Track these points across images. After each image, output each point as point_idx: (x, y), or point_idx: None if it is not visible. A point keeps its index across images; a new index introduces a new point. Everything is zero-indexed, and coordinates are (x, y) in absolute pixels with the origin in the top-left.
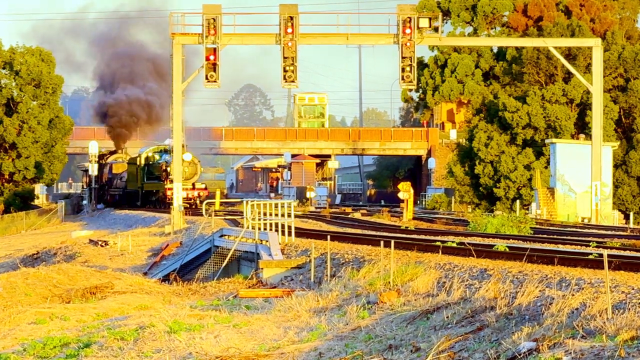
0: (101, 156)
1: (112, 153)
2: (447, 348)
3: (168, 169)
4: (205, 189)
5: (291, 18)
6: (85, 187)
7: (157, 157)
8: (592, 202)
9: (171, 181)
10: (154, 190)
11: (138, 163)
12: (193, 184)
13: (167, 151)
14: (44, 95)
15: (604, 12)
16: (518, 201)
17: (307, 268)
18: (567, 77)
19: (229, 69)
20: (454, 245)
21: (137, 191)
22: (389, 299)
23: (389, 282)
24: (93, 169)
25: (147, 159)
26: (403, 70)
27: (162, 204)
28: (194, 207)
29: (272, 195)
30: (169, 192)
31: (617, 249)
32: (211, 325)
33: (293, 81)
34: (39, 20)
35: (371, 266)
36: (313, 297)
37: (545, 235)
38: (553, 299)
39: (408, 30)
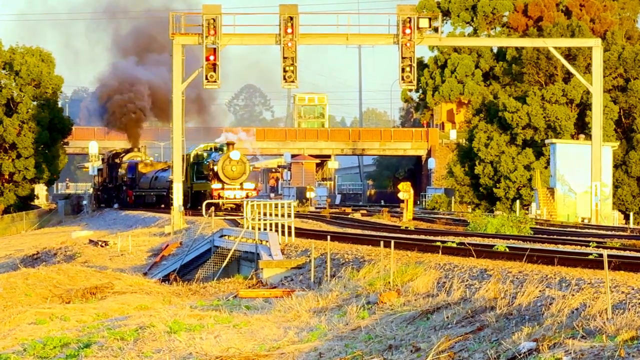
0: (116, 155)
1: (127, 152)
2: (447, 348)
3: (215, 167)
4: (254, 188)
5: (291, 18)
6: (97, 186)
7: (205, 155)
8: (592, 202)
9: (219, 181)
10: (202, 191)
11: (187, 161)
12: (241, 184)
13: (217, 149)
14: (43, 96)
15: (604, 12)
16: (518, 201)
17: (307, 268)
18: (567, 77)
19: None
20: (454, 245)
21: (187, 192)
22: (389, 299)
23: (389, 282)
24: (93, 169)
25: (196, 156)
26: (403, 70)
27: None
28: (241, 209)
29: (272, 195)
30: (215, 193)
31: (617, 249)
32: (211, 325)
33: (293, 81)
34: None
35: (371, 266)
36: (313, 297)
37: (545, 236)
38: (553, 299)
39: (408, 31)
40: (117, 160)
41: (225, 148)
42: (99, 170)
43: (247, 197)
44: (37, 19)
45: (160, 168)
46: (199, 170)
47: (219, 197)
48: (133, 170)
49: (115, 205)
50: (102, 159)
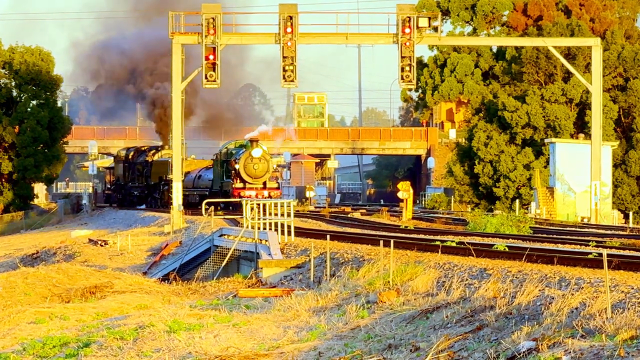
0: (140, 152)
1: (156, 149)
2: (446, 347)
3: (237, 166)
4: (278, 188)
5: (290, 18)
6: (109, 185)
7: (234, 152)
8: (592, 201)
9: (241, 180)
10: (229, 190)
11: (217, 158)
12: (264, 183)
13: (243, 146)
14: (43, 95)
15: (604, 12)
16: (517, 201)
17: (307, 267)
18: (567, 76)
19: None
20: (454, 244)
21: (217, 191)
22: (389, 299)
23: (389, 282)
24: (93, 168)
25: (226, 154)
26: (402, 69)
27: (235, 206)
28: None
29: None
30: (235, 193)
31: (616, 248)
32: (211, 324)
33: (292, 81)
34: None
35: (371, 266)
36: (312, 297)
37: (544, 235)
38: (553, 298)
39: (407, 30)
40: (148, 159)
41: (249, 145)
42: (110, 169)
43: (269, 196)
44: (40, 18)
45: (204, 166)
46: (227, 169)
47: (240, 197)
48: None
49: (142, 206)
50: (115, 157)
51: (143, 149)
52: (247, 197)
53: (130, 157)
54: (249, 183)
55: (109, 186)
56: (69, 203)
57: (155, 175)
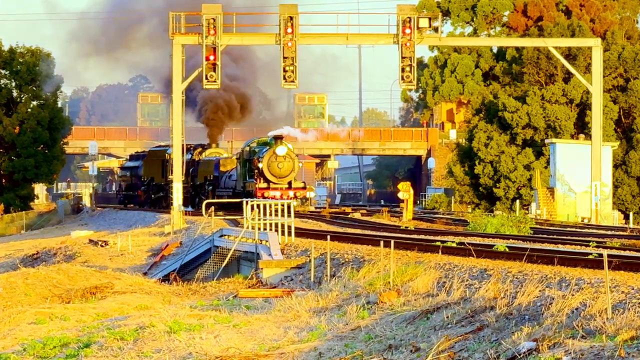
0: (187, 150)
1: (203, 147)
2: (447, 348)
3: (260, 165)
4: (304, 188)
5: (291, 18)
6: (125, 185)
7: (257, 150)
8: (592, 202)
9: (265, 180)
10: (252, 190)
11: (239, 157)
12: (289, 183)
13: (266, 144)
14: (43, 95)
15: (604, 12)
16: (518, 201)
17: (307, 268)
18: (567, 77)
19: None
20: (454, 245)
21: (240, 192)
22: (389, 299)
23: (389, 282)
24: (93, 169)
25: (249, 153)
26: (403, 70)
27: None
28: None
29: None
30: (259, 193)
31: (616, 249)
32: (211, 325)
33: (293, 81)
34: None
35: (371, 266)
36: (313, 297)
37: (545, 235)
38: (553, 299)
39: (408, 30)
40: (195, 157)
41: (272, 142)
42: (129, 168)
43: (295, 197)
44: (40, 18)
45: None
46: (250, 168)
47: (264, 197)
48: (217, 168)
49: (189, 208)
50: (143, 156)
51: (188, 147)
52: (272, 198)
53: (171, 155)
54: (274, 183)
55: (123, 186)
56: (69, 204)
57: (202, 175)
